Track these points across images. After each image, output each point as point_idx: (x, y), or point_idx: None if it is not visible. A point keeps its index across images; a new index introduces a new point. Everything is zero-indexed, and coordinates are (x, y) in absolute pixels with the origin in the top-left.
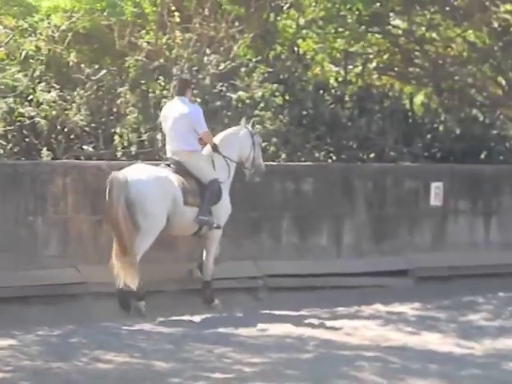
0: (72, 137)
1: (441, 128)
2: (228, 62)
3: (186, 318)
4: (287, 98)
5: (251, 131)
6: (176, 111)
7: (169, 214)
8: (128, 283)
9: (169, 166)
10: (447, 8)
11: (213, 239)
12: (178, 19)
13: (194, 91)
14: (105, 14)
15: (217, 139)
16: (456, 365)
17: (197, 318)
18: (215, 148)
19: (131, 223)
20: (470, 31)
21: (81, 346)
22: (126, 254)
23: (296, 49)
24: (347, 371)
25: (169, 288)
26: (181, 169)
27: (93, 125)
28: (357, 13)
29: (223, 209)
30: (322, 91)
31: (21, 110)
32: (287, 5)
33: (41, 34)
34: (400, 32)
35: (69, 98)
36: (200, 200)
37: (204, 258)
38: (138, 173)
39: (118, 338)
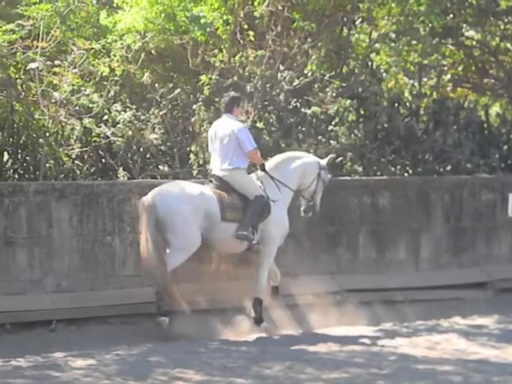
0: (148, 156)
1: None
2: (302, 78)
3: (262, 335)
4: (362, 112)
5: (321, 164)
6: (222, 129)
7: (204, 231)
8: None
9: (211, 182)
10: None
11: (265, 255)
12: (251, 37)
13: (269, 108)
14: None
15: (274, 159)
16: None
17: (273, 336)
18: (262, 168)
19: (161, 242)
20: None
21: (159, 364)
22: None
23: (369, 63)
24: None
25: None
26: (223, 185)
27: (168, 144)
28: (430, 25)
29: (276, 227)
30: (396, 105)
31: (97, 131)
32: (359, 19)
33: (114, 54)
34: (474, 43)
35: (144, 117)
36: (243, 216)
37: (257, 274)
38: (168, 191)
39: (196, 355)
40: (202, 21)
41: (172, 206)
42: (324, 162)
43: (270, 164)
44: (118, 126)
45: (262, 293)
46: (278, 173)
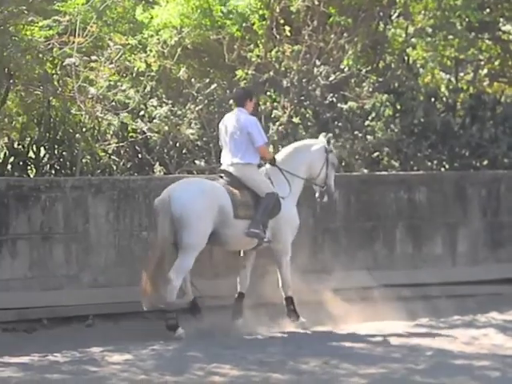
0: (184, 151)
1: None
2: (338, 73)
3: (298, 330)
4: (398, 107)
5: (327, 148)
6: (233, 123)
7: (217, 227)
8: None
9: (221, 178)
10: None
11: (282, 253)
12: (287, 32)
13: (305, 103)
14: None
15: (282, 153)
16: None
17: (308, 331)
18: (273, 162)
19: (174, 246)
20: None
21: (196, 359)
22: (161, 275)
23: (406, 58)
24: (464, 381)
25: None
26: (234, 181)
27: (204, 139)
28: (466, 20)
29: (287, 223)
30: (433, 100)
31: (133, 126)
32: (396, 14)
33: (151, 50)
34: (511, 37)
35: (180, 112)
36: (254, 213)
37: (279, 274)
38: (182, 188)
39: (232, 350)
40: (239, 7)
41: (187, 201)
42: (326, 144)
43: (279, 157)
44: (154, 121)
45: (290, 290)
46: (288, 164)
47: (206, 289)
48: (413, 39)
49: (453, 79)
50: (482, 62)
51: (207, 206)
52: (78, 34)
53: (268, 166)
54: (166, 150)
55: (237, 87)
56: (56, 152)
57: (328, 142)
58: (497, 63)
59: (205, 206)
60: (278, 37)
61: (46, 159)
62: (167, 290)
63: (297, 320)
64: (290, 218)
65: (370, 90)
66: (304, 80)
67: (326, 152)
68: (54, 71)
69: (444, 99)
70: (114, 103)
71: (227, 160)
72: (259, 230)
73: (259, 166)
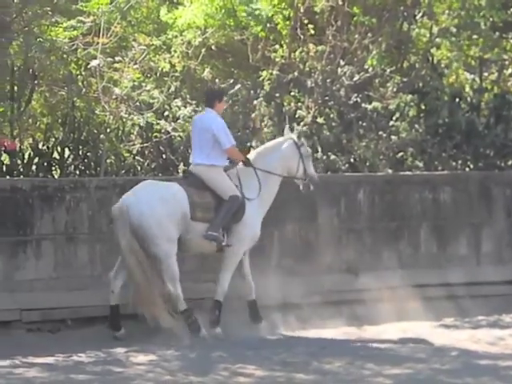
0: None
1: None
2: (362, 73)
3: (322, 330)
4: (422, 107)
5: (297, 142)
6: (200, 124)
7: (182, 232)
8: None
9: (185, 178)
10: None
11: (229, 258)
12: (311, 32)
13: (329, 103)
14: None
15: (254, 153)
16: None
17: (332, 331)
18: (248, 163)
19: (143, 253)
20: None
21: (220, 360)
22: (152, 287)
23: (430, 57)
24: (489, 381)
25: (308, 301)
26: (197, 182)
27: None
28: (490, 19)
29: (247, 229)
30: (457, 100)
31: (157, 126)
32: (420, 14)
33: (175, 50)
34: None
35: None
36: (214, 215)
37: (219, 276)
38: (139, 196)
39: (256, 351)
40: (257, 12)
41: (145, 210)
42: (297, 137)
43: (251, 157)
44: (178, 121)
45: (223, 296)
46: (261, 162)
47: (229, 289)
48: (437, 39)
49: (477, 79)
50: (507, 62)
51: (168, 212)
52: (103, 35)
53: (241, 166)
54: (190, 151)
55: (206, 88)
56: (80, 152)
57: (298, 136)
58: None
59: (165, 212)
60: (302, 37)
61: (70, 160)
62: (173, 302)
63: (215, 327)
64: (251, 224)
65: (395, 90)
66: (328, 80)
67: (298, 147)
68: (78, 72)
69: (468, 99)
70: (138, 103)
71: (193, 160)
72: (218, 233)
73: (227, 167)
